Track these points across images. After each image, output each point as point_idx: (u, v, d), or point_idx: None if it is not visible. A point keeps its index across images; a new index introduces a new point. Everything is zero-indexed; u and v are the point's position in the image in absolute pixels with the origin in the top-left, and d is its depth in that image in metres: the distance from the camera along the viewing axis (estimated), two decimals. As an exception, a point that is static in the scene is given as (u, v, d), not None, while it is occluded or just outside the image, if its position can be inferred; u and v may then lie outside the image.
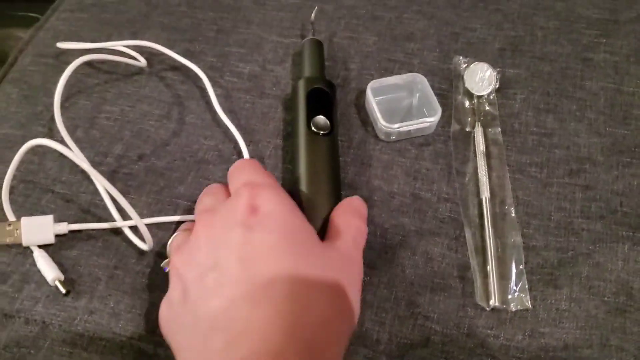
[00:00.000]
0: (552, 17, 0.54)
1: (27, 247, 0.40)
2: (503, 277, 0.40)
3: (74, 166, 0.45)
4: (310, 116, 0.43)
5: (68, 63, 0.46)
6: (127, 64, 0.51)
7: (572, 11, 0.54)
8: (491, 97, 0.48)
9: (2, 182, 0.42)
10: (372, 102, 0.45)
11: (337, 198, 0.41)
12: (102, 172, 0.42)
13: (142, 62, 0.51)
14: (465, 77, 0.48)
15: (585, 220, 0.42)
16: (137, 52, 0.51)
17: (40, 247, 0.40)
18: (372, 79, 0.47)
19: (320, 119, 0.43)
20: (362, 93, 0.48)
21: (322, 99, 0.45)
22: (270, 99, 0.49)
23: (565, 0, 0.55)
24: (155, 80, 0.51)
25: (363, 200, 0.40)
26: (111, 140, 0.46)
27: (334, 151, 0.43)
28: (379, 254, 0.41)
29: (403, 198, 0.43)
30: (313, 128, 0.42)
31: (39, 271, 0.39)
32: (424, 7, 0.55)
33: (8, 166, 0.42)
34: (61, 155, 0.44)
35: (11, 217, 0.41)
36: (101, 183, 0.39)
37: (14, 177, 0.43)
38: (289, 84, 0.50)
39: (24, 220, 0.40)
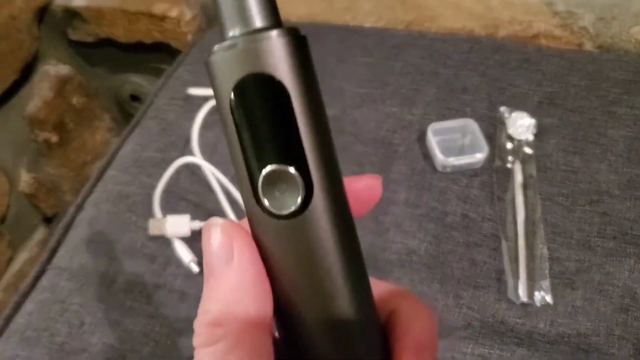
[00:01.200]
0: (583, 77, 0.65)
1: (170, 238, 0.54)
2: (531, 279, 0.51)
3: (201, 180, 0.59)
4: (253, 162, 0.19)
5: (195, 104, 0.61)
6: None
7: (601, 72, 0.65)
8: (529, 140, 0.59)
9: (153, 190, 0.56)
10: (432, 140, 0.58)
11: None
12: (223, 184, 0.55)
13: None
14: (508, 123, 0.60)
15: (600, 239, 0.53)
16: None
17: (179, 238, 0.54)
18: (433, 122, 0.60)
19: (282, 174, 0.19)
20: (424, 133, 0.61)
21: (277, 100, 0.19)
22: (347, 136, 0.62)
23: (595, 63, 0.66)
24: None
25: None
26: (229, 164, 0.60)
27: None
28: (434, 257, 0.53)
29: (454, 217, 0.55)
30: (266, 202, 0.19)
31: (178, 256, 0.53)
32: (477, 66, 0.67)
33: (155, 179, 0.56)
34: (192, 172, 0.59)
35: (159, 215, 0.55)
36: (223, 188, 0.53)
37: (155, 187, 0.57)
38: (364, 125, 0.63)
39: (169, 217, 0.54)
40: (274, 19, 0.19)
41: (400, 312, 0.22)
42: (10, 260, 0.91)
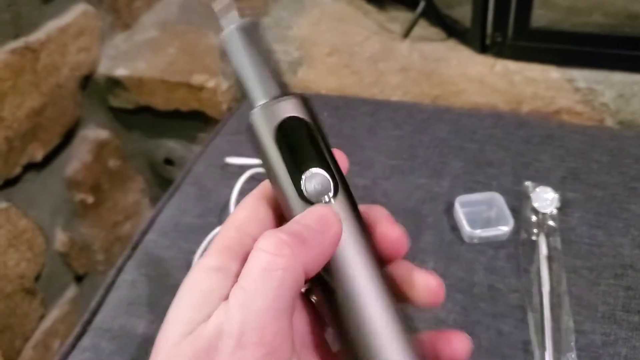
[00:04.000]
0: (605, 153, 0.68)
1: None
2: (557, 351, 0.52)
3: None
4: (295, 172, 0.28)
5: (232, 172, 0.64)
6: (273, 175, 0.69)
7: (623, 149, 0.68)
8: (553, 213, 0.62)
9: (191, 255, 0.59)
10: (460, 212, 0.60)
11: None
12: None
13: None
14: (532, 197, 0.62)
15: (625, 313, 0.54)
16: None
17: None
18: (460, 195, 0.62)
19: (318, 175, 0.28)
20: (451, 205, 0.63)
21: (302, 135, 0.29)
22: (380, 206, 0.64)
23: (617, 140, 0.69)
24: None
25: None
26: (262, 230, 0.63)
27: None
28: (462, 327, 0.54)
29: (481, 287, 0.57)
30: (308, 196, 0.28)
31: (214, 320, 0.55)
32: (502, 141, 0.70)
33: (192, 244, 0.59)
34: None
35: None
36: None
37: (194, 252, 0.60)
38: (393, 195, 0.66)
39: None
40: (288, 89, 0.30)
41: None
42: (41, 317, 0.94)
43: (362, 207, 0.30)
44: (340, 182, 0.29)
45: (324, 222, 0.27)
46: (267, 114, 0.29)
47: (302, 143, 0.29)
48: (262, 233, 0.27)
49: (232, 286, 0.26)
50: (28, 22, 0.83)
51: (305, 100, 0.30)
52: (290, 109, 0.29)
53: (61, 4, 0.88)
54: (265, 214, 0.29)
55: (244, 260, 0.26)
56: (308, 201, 0.28)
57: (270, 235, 0.26)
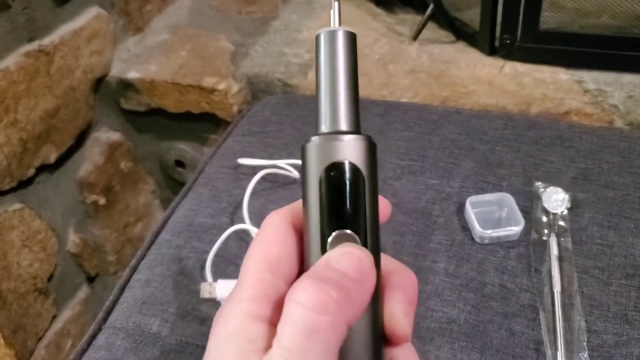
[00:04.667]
0: (616, 154, 0.68)
1: (220, 302, 0.57)
2: (569, 351, 0.52)
3: (248, 246, 0.62)
4: (326, 224, 0.26)
5: (244, 173, 0.65)
6: (285, 175, 0.69)
7: (633, 149, 0.68)
8: (563, 214, 0.62)
9: (204, 255, 0.59)
10: (471, 212, 0.61)
11: None
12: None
13: (296, 174, 0.69)
14: (543, 198, 0.63)
15: (637, 313, 0.54)
16: (293, 167, 0.69)
17: (228, 302, 0.57)
18: (470, 195, 0.63)
19: (348, 237, 0.26)
20: (462, 205, 0.63)
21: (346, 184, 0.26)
22: (391, 207, 0.65)
23: (627, 140, 0.69)
24: (305, 188, 0.68)
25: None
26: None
27: None
28: (473, 327, 0.54)
29: (492, 287, 0.57)
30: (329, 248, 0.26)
31: (227, 319, 0.56)
32: (512, 142, 0.71)
33: (205, 244, 0.59)
34: (240, 238, 0.62)
35: (210, 279, 0.58)
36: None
37: (207, 252, 0.60)
38: (404, 195, 0.66)
39: (220, 281, 0.57)
40: (358, 126, 0.28)
41: (392, 272, 0.28)
42: (54, 318, 0.95)
43: (384, 262, 0.28)
44: (371, 248, 0.26)
45: (363, 270, 0.25)
46: (325, 148, 0.26)
47: (344, 198, 0.26)
48: (293, 271, 0.26)
49: (271, 337, 0.24)
50: (42, 25, 0.84)
51: (372, 147, 0.27)
52: (351, 152, 0.26)
53: (74, 8, 0.89)
54: (296, 248, 0.27)
55: (280, 305, 0.25)
56: None
57: (311, 287, 0.24)
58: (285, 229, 0.28)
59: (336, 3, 0.29)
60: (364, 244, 0.26)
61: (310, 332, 0.23)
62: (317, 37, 0.28)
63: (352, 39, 0.28)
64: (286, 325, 0.24)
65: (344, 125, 0.27)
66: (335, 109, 0.27)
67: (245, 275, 0.27)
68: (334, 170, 0.26)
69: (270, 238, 0.27)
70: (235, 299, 0.26)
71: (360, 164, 0.26)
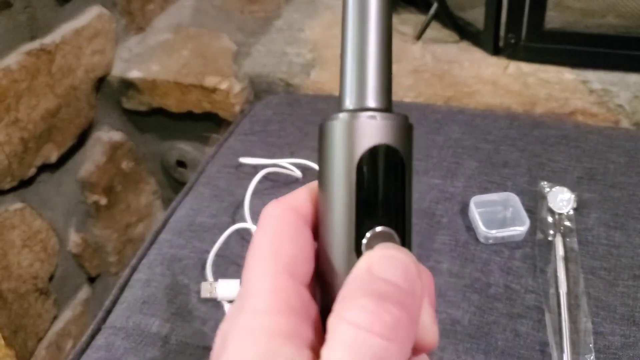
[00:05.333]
0: (622, 154, 0.67)
1: (220, 302, 0.56)
2: (575, 352, 0.51)
3: (250, 247, 0.61)
4: (363, 222, 0.22)
5: (245, 172, 0.64)
6: (287, 175, 0.68)
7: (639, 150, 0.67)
8: (569, 214, 0.61)
9: (205, 254, 0.59)
10: (475, 212, 0.60)
11: None
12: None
13: (298, 174, 0.68)
14: (548, 197, 0.62)
15: (645, 315, 0.53)
16: (295, 166, 0.69)
17: (229, 302, 0.56)
18: (475, 195, 0.62)
19: (387, 236, 0.22)
20: (466, 205, 0.62)
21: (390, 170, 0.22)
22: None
23: (633, 140, 0.68)
24: (307, 188, 0.68)
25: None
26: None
27: None
28: (478, 328, 0.54)
29: (497, 288, 0.56)
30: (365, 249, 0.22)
31: (228, 319, 0.55)
32: (517, 142, 0.70)
33: (206, 243, 0.59)
34: (242, 237, 0.61)
35: (211, 279, 0.57)
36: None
37: (207, 251, 0.60)
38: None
39: (221, 281, 0.56)
40: (390, 102, 0.23)
41: None
42: (54, 318, 0.94)
43: None
44: (408, 245, 0.22)
45: (411, 278, 0.21)
46: (359, 129, 0.21)
47: (386, 189, 0.21)
48: (310, 275, 0.21)
49: (308, 357, 0.19)
50: (43, 24, 0.83)
51: (410, 128, 0.23)
52: (391, 134, 0.21)
53: (76, 7, 0.89)
54: (311, 248, 0.22)
55: (308, 319, 0.20)
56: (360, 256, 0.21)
57: (374, 306, 0.19)
58: (295, 222, 0.23)
59: None
60: (403, 244, 0.22)
61: None
62: None
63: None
64: (340, 353, 0.19)
65: (374, 101, 0.22)
66: (364, 81, 0.22)
67: (257, 280, 0.21)
68: (374, 155, 0.21)
69: (281, 234, 0.22)
70: (251, 311, 0.20)
71: (402, 148, 0.22)
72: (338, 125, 0.21)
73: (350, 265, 0.21)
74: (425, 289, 0.22)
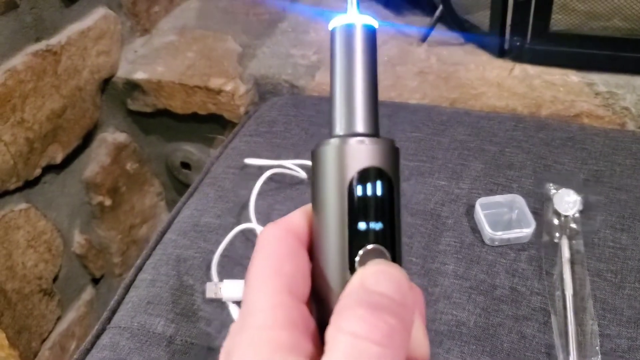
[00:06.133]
0: (628, 156, 0.67)
1: (225, 302, 0.56)
2: (582, 355, 0.51)
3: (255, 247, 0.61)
4: (355, 240, 0.23)
5: (250, 173, 0.64)
6: (292, 176, 0.68)
7: (646, 152, 0.67)
8: (575, 216, 0.61)
9: (210, 255, 0.59)
10: (481, 214, 0.60)
11: None
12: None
13: (303, 175, 0.68)
14: (554, 199, 0.62)
15: (651, 317, 0.53)
16: (299, 167, 0.69)
17: (234, 302, 0.56)
18: (480, 197, 0.62)
19: (379, 253, 0.23)
20: (471, 207, 0.62)
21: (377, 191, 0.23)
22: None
23: (639, 143, 0.68)
24: (312, 189, 0.68)
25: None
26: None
27: None
28: (483, 330, 0.53)
29: (503, 290, 0.56)
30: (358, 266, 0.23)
31: (233, 319, 0.55)
32: (522, 143, 0.70)
33: (211, 244, 0.59)
34: (247, 238, 0.61)
35: (216, 279, 0.57)
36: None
37: (213, 252, 0.60)
38: (413, 197, 0.65)
39: (226, 281, 0.56)
40: (377, 128, 0.25)
41: None
42: (58, 319, 0.94)
43: None
44: (399, 261, 0.23)
45: (403, 291, 0.22)
46: (349, 152, 0.23)
47: (377, 209, 0.23)
48: (307, 292, 0.23)
49: None
50: (50, 25, 0.83)
51: (396, 151, 0.24)
52: (379, 157, 0.23)
53: (82, 8, 0.89)
54: (307, 266, 0.24)
55: (312, 334, 0.22)
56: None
57: (369, 315, 0.20)
58: (292, 243, 0.24)
59: None
60: (394, 259, 0.23)
61: None
62: (333, 31, 0.25)
63: (371, 32, 0.25)
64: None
65: (363, 127, 0.24)
66: (352, 109, 0.24)
67: (258, 298, 0.22)
68: (364, 177, 0.23)
69: (279, 253, 0.23)
70: (254, 326, 0.21)
71: (390, 170, 0.23)
72: (329, 149, 0.23)
73: (344, 282, 0.22)
74: (416, 304, 0.23)
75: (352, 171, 0.23)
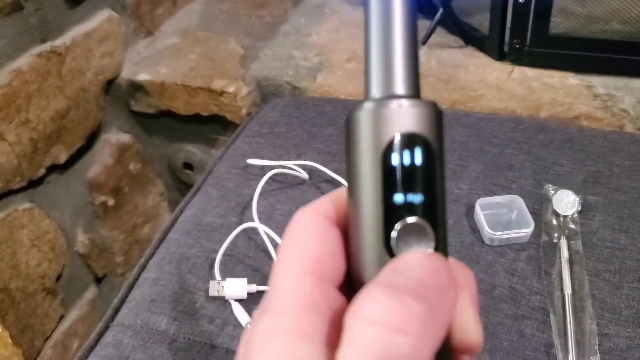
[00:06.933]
0: (627, 158, 0.67)
1: (227, 300, 0.57)
2: (580, 354, 0.52)
3: (257, 245, 0.62)
4: (391, 212, 0.20)
5: (252, 174, 0.65)
6: (294, 176, 0.69)
7: (644, 154, 0.68)
8: (574, 217, 0.61)
9: (213, 254, 0.59)
10: (480, 214, 0.60)
11: None
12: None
13: (305, 175, 0.69)
14: (553, 200, 0.62)
15: (649, 316, 0.53)
16: (301, 168, 0.69)
17: (236, 300, 0.57)
18: (480, 197, 0.62)
19: (419, 227, 0.20)
20: (471, 207, 0.63)
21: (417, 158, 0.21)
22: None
23: (638, 145, 0.69)
24: (313, 189, 0.68)
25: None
26: (283, 230, 0.63)
27: None
28: (483, 328, 0.54)
29: (502, 289, 0.57)
30: (396, 250, 0.20)
31: (236, 317, 0.55)
32: (522, 145, 0.70)
33: (214, 243, 0.59)
34: (249, 238, 0.62)
35: (219, 278, 0.58)
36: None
37: (215, 251, 0.60)
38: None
39: (229, 280, 0.57)
40: (419, 89, 0.22)
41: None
42: (61, 318, 0.95)
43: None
44: (443, 242, 0.21)
45: (442, 278, 0.19)
46: (384, 117, 0.20)
47: (415, 178, 0.20)
48: (340, 274, 0.21)
49: (327, 358, 0.18)
50: (54, 26, 0.84)
51: (440, 115, 0.21)
52: (419, 122, 0.20)
53: (86, 10, 0.90)
54: (340, 247, 0.21)
55: (332, 320, 0.19)
56: (392, 255, 0.20)
57: (385, 297, 0.18)
58: (324, 223, 0.22)
59: None
60: (437, 239, 0.21)
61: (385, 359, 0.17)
62: None
63: None
64: (351, 352, 0.17)
65: (403, 88, 0.21)
66: (391, 68, 0.21)
67: (281, 281, 0.20)
68: (402, 144, 0.20)
69: (304, 235, 0.21)
70: (272, 312, 0.20)
71: (430, 135, 0.21)
72: (362, 114, 0.21)
73: (379, 261, 0.20)
74: (466, 287, 0.21)
75: (387, 137, 0.20)
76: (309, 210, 0.22)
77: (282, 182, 0.69)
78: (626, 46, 0.86)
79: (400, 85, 0.21)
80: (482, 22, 0.94)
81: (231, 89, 0.92)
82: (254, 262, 0.60)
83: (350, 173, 0.21)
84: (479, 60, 0.94)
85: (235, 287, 0.57)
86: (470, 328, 0.21)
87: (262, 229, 0.60)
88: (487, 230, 0.59)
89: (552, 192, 0.63)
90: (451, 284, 0.19)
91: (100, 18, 0.92)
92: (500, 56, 0.93)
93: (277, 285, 0.20)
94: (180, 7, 1.13)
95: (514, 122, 0.74)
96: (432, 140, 0.20)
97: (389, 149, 0.20)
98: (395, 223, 0.20)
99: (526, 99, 0.85)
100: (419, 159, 0.20)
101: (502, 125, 0.74)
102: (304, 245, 0.21)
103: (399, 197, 0.20)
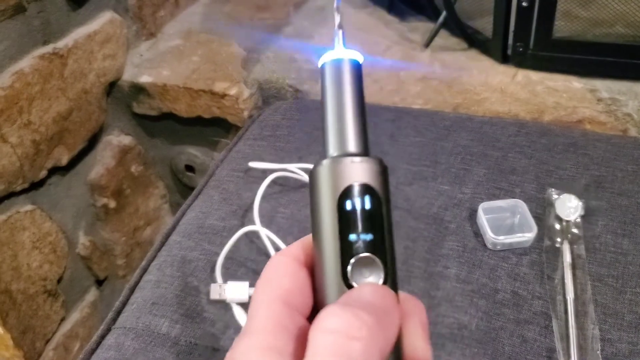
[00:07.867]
0: (630, 162, 0.67)
1: (229, 303, 0.57)
2: (582, 359, 0.51)
3: (259, 248, 0.62)
4: (347, 250, 0.24)
5: (254, 177, 0.65)
6: (295, 179, 0.69)
7: (648, 158, 0.67)
8: (577, 221, 0.61)
9: (214, 257, 0.59)
10: (483, 219, 0.60)
11: None
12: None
13: (306, 178, 0.69)
14: (556, 204, 0.62)
15: (652, 322, 0.53)
16: (303, 171, 0.69)
17: (238, 304, 0.56)
18: (483, 202, 0.62)
19: (371, 262, 0.24)
20: (474, 212, 0.63)
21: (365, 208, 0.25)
22: (400, 212, 0.65)
23: (641, 149, 0.69)
24: (315, 192, 0.68)
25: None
26: (285, 234, 0.63)
27: None
28: (485, 333, 0.54)
29: (505, 293, 0.57)
30: (351, 276, 0.24)
31: (237, 321, 0.55)
32: (525, 149, 0.70)
33: (215, 246, 0.59)
34: (250, 241, 0.62)
35: (220, 281, 0.58)
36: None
37: (217, 254, 0.60)
38: (416, 201, 0.66)
39: (230, 283, 0.57)
40: (367, 148, 0.26)
41: (403, 302, 0.26)
42: (62, 320, 0.95)
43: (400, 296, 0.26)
44: (391, 273, 0.25)
45: (388, 301, 0.23)
46: (338, 171, 0.25)
47: (366, 220, 0.24)
48: (308, 306, 0.25)
49: None
50: (56, 28, 0.84)
51: (384, 169, 0.26)
52: (367, 174, 0.25)
53: (89, 12, 0.90)
54: (307, 284, 0.26)
55: (299, 339, 0.23)
56: (349, 285, 0.24)
57: (341, 311, 0.22)
58: (294, 264, 0.26)
59: (340, 31, 0.28)
60: (386, 271, 0.24)
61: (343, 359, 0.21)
62: (322, 66, 0.27)
63: (357, 65, 0.27)
64: (310, 355, 0.21)
65: (353, 148, 0.26)
66: (343, 132, 0.26)
67: (257, 309, 0.24)
68: (353, 191, 0.25)
69: (280, 273, 0.26)
70: (249, 333, 0.23)
71: (377, 185, 0.25)
72: (322, 169, 0.25)
73: (339, 291, 0.24)
74: (414, 314, 0.25)
75: (342, 187, 0.24)
76: (282, 254, 0.27)
77: (284, 185, 0.69)
78: (630, 50, 0.86)
79: (352, 145, 0.26)
80: (485, 25, 0.94)
81: (233, 92, 0.92)
82: (256, 266, 0.60)
83: (313, 218, 0.25)
84: (482, 64, 0.93)
85: (237, 291, 0.56)
86: (419, 346, 0.25)
87: (264, 232, 0.60)
88: (489, 235, 0.59)
89: (555, 196, 0.63)
90: (395, 306, 0.24)
91: (103, 20, 0.92)
92: (503, 59, 0.93)
93: (254, 312, 0.24)
94: (183, 10, 1.13)
95: (517, 126, 0.74)
96: (379, 189, 0.25)
97: (343, 196, 0.24)
98: (350, 258, 0.24)
99: (529, 102, 0.85)
100: (368, 205, 0.25)
101: (505, 128, 0.73)
102: (277, 280, 0.25)
103: (353, 236, 0.24)
